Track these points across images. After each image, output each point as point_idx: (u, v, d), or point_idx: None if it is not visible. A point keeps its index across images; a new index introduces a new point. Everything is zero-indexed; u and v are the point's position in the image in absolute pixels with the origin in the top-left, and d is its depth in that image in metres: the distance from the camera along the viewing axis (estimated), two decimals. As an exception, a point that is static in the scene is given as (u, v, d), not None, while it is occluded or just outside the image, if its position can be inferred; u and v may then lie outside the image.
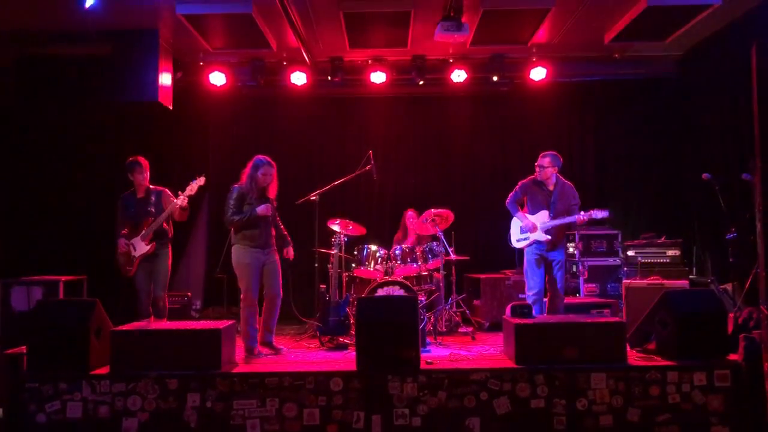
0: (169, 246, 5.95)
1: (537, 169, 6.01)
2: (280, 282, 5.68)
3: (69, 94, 7.75)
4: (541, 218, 5.98)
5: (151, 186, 5.97)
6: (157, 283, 5.82)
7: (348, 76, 8.24)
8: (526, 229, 6.00)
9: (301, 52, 7.59)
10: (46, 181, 8.01)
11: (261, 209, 5.47)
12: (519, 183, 6.19)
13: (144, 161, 5.93)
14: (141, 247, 5.73)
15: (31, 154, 8.02)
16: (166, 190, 5.98)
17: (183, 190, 5.78)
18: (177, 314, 7.18)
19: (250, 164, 5.61)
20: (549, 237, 5.90)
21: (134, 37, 7.17)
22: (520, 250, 6.20)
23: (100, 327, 4.61)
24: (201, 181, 5.88)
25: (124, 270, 5.78)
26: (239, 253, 5.55)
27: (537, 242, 5.96)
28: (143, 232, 5.75)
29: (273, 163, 5.64)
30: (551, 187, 6.01)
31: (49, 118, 8.02)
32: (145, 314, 5.77)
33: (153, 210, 5.83)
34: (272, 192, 5.73)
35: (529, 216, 6.06)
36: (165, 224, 5.88)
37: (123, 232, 5.80)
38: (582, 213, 5.80)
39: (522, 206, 6.18)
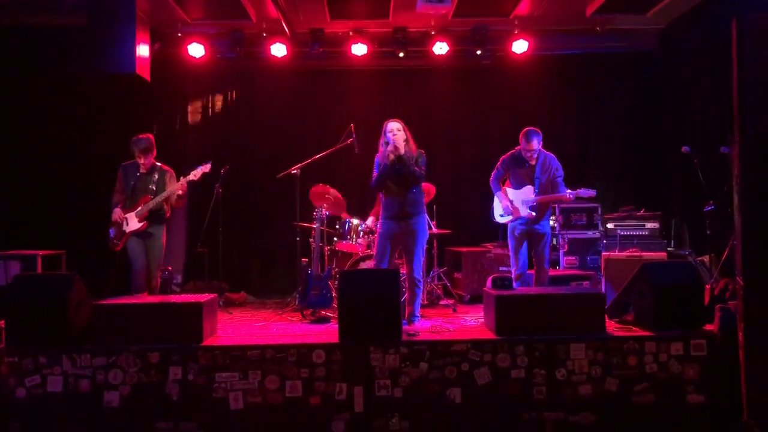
0: (164, 226, 5.90)
1: (525, 153, 5.90)
2: (415, 258, 5.52)
3: (43, 66, 7.60)
4: (526, 194, 5.92)
5: (157, 163, 5.87)
6: (153, 261, 5.77)
7: (329, 48, 8.15)
8: (507, 213, 5.97)
9: (281, 23, 7.49)
10: (22, 155, 7.87)
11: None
12: (500, 159, 6.12)
13: (145, 140, 5.76)
14: (133, 224, 5.65)
15: (5, 128, 7.87)
16: (171, 170, 5.90)
17: (185, 174, 5.71)
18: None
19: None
20: (534, 213, 5.86)
21: (110, 6, 6.99)
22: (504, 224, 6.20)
23: (80, 301, 4.57)
24: (207, 168, 5.80)
25: (112, 243, 5.71)
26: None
27: (521, 217, 5.93)
28: (139, 208, 5.66)
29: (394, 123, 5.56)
30: (533, 162, 5.93)
31: (24, 90, 7.86)
32: (142, 288, 5.70)
33: (154, 188, 5.73)
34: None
35: (513, 191, 6.01)
36: (165, 204, 5.82)
37: (119, 202, 5.74)
38: (569, 191, 5.77)
39: (505, 182, 6.15)
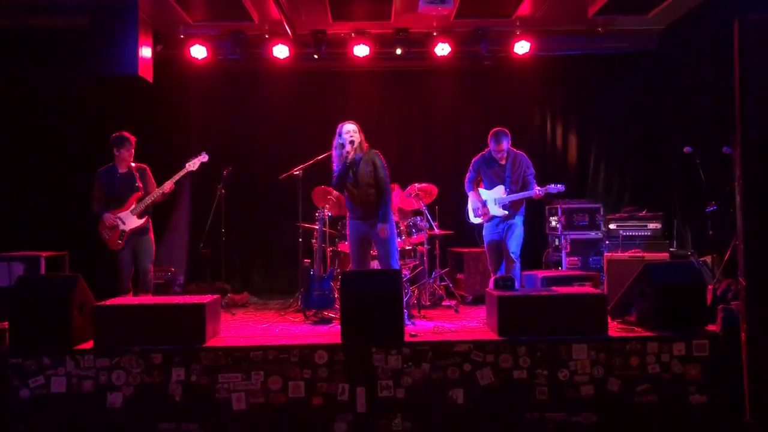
0: (150, 221, 5.93)
1: (495, 154, 6.02)
2: (392, 259, 5.49)
3: (46, 68, 7.61)
4: (498, 193, 6.04)
5: (132, 163, 5.88)
6: (146, 256, 5.79)
7: (331, 49, 8.15)
8: (478, 214, 6.09)
9: (283, 24, 7.50)
10: (25, 157, 7.88)
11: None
12: (472, 161, 6.25)
13: (132, 138, 5.83)
14: (132, 222, 5.68)
15: (8, 130, 7.88)
16: (147, 167, 5.93)
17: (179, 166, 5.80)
18: (160, 289, 7.14)
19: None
20: (506, 212, 5.96)
21: (113, 8, 7.02)
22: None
23: (83, 302, 4.59)
24: (204, 158, 5.87)
25: (114, 244, 5.70)
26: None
27: (495, 217, 6.03)
28: (133, 206, 5.69)
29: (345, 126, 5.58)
30: (503, 162, 6.04)
31: (27, 92, 7.87)
32: (125, 290, 5.72)
33: (140, 185, 5.75)
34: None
35: (486, 191, 6.11)
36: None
37: (102, 208, 5.72)
38: (538, 188, 5.87)
39: (479, 183, 6.26)
